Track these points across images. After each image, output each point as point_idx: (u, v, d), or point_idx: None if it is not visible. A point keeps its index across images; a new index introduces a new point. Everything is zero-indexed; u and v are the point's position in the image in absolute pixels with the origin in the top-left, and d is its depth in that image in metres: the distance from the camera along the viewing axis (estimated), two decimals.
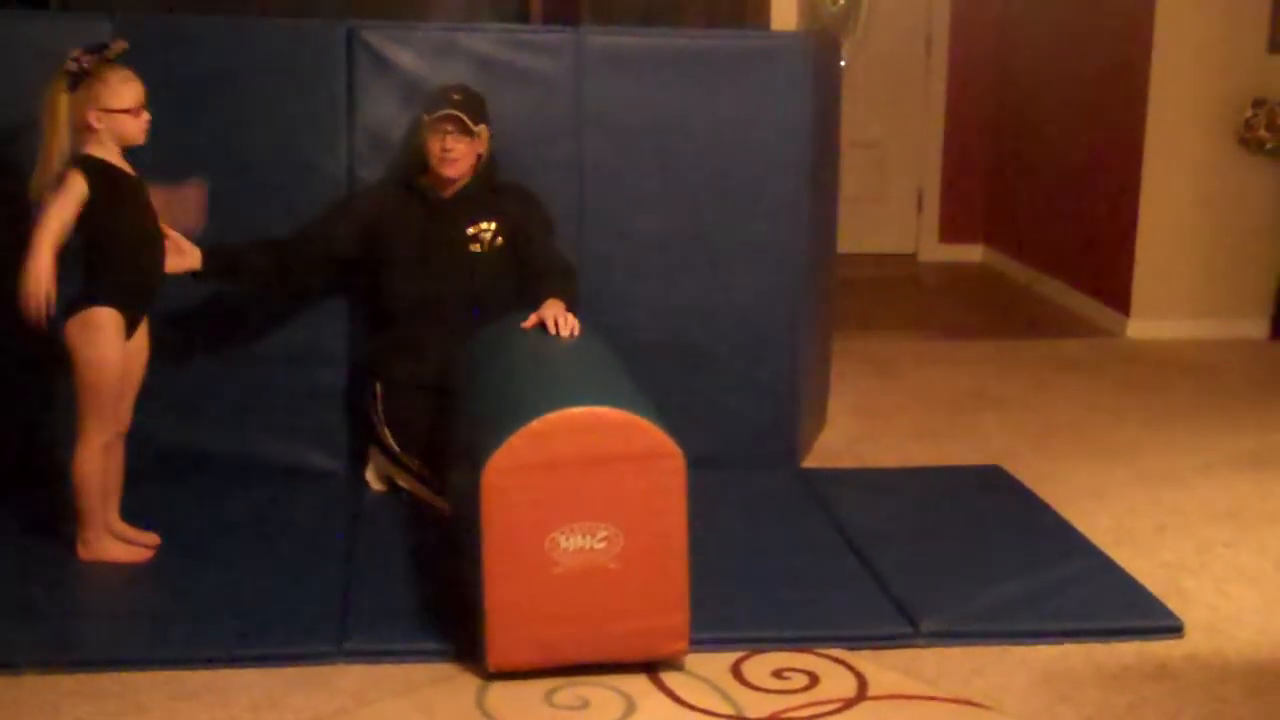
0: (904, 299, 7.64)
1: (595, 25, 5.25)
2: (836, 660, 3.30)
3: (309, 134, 4.21)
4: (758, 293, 4.45)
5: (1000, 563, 3.81)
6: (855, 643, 3.36)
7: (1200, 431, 5.17)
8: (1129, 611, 3.56)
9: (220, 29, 4.21)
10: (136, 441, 4.27)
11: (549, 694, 3.11)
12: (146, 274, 3.60)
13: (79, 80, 3.43)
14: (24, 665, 3.15)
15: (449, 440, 3.77)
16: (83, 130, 3.47)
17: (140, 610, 3.43)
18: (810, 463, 4.68)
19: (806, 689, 3.17)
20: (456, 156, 4.02)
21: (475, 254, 4.10)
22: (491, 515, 3.06)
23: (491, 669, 3.13)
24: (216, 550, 3.77)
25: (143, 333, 3.65)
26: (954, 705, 3.12)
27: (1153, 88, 6.47)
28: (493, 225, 4.11)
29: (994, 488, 4.47)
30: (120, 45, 3.49)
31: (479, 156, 4.09)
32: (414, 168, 4.14)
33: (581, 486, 3.08)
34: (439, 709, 3.05)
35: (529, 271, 4.04)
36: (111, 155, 3.51)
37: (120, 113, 3.47)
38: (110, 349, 3.50)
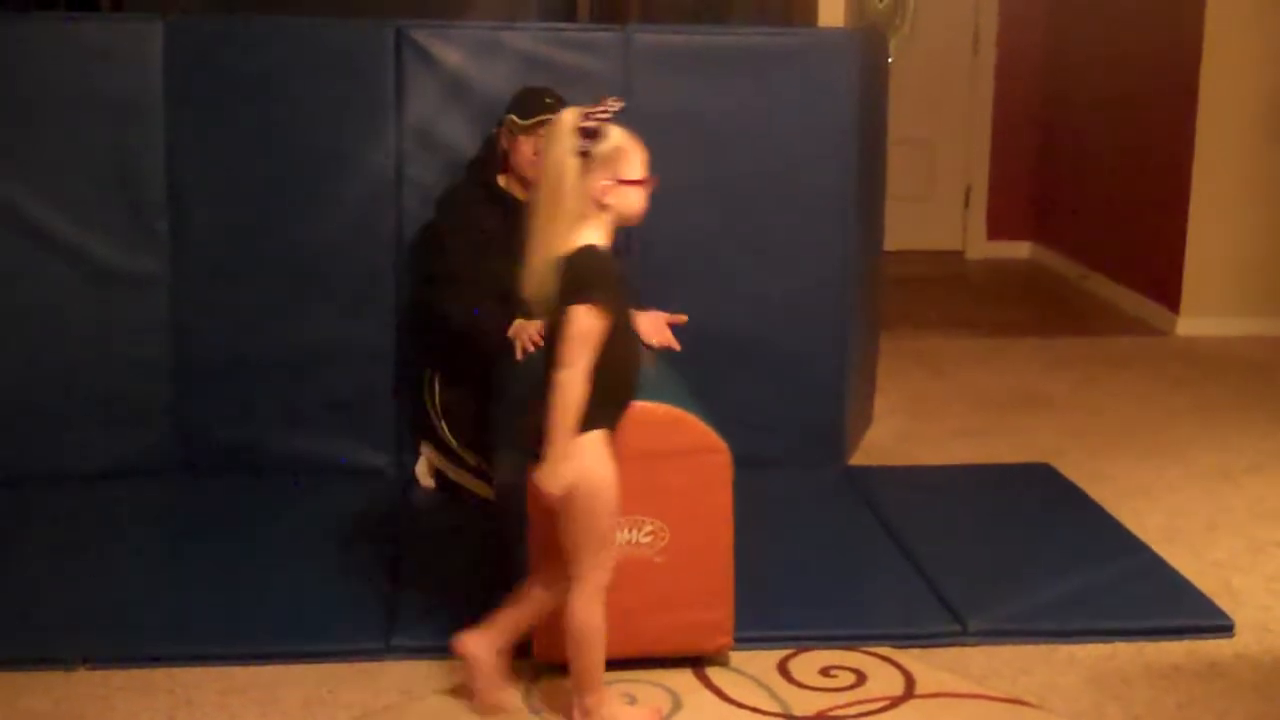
0: (951, 296, 7.60)
1: (643, 23, 5.26)
2: (884, 658, 3.29)
3: (358, 132, 4.22)
4: (805, 290, 4.44)
5: (1049, 561, 3.79)
6: (903, 641, 3.36)
7: (1251, 429, 5.12)
8: (1179, 610, 3.54)
9: (270, 30, 4.24)
10: (189, 438, 4.32)
11: None
12: (631, 382, 2.90)
13: (593, 143, 2.74)
14: (76, 660, 3.18)
15: (494, 434, 3.77)
16: (588, 208, 2.76)
17: (190, 605, 3.45)
18: (857, 460, 4.67)
19: (854, 687, 3.16)
20: None
21: None
22: (537, 510, 3.07)
23: (538, 661, 3.14)
24: (266, 546, 3.79)
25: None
26: (1002, 704, 3.11)
27: (1203, 83, 6.41)
28: None
29: (1043, 486, 4.45)
30: (617, 103, 2.81)
31: None
32: (493, 168, 4.09)
33: (627, 481, 3.06)
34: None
35: None
36: (606, 242, 2.81)
37: (634, 184, 2.79)
38: (604, 470, 2.83)
